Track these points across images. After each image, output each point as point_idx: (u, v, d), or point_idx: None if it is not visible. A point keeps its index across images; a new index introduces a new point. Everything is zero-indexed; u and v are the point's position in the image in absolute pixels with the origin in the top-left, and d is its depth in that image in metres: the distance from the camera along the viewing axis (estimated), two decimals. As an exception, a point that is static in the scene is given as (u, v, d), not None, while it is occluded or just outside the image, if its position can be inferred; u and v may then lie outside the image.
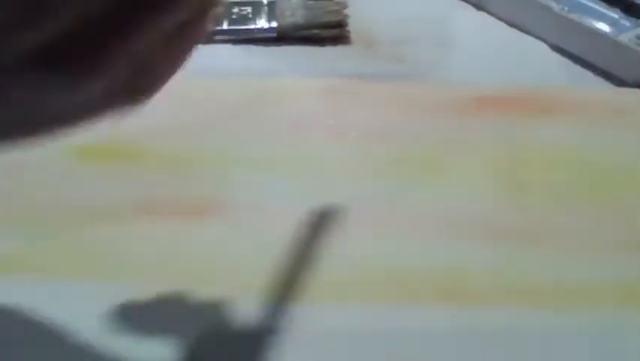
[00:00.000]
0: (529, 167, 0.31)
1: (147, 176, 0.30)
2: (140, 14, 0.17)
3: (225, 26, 0.40)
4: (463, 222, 0.28)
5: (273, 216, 0.28)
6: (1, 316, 0.24)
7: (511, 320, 0.25)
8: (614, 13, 0.38)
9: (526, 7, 0.40)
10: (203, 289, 0.26)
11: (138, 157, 0.30)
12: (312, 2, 0.41)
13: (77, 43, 0.16)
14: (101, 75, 0.17)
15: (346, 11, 0.40)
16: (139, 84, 0.18)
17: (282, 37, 0.39)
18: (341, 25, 0.40)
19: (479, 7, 0.43)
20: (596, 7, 0.39)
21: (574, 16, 0.38)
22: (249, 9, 0.41)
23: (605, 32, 0.37)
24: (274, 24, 0.39)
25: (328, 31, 0.40)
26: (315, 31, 0.40)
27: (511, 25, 0.41)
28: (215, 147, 0.31)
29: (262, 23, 0.40)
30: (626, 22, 0.38)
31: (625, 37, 0.36)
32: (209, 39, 0.39)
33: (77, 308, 0.25)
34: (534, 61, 0.39)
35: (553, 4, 0.39)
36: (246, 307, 0.25)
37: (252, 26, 0.40)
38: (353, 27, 0.40)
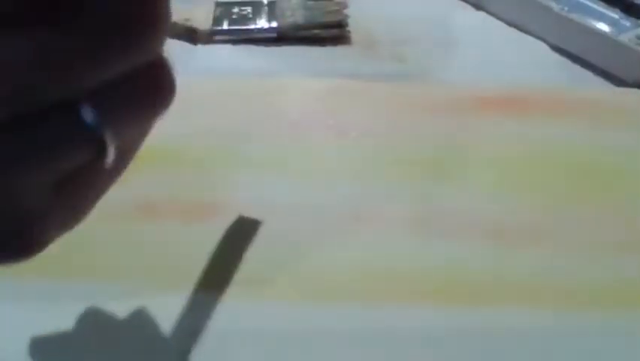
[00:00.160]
0: (529, 167, 0.31)
1: (147, 176, 0.30)
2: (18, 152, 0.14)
3: (225, 26, 0.40)
4: (463, 222, 0.28)
5: (273, 216, 0.28)
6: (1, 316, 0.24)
7: (511, 320, 0.25)
8: (614, 13, 0.38)
9: (526, 7, 0.40)
10: (203, 289, 0.26)
11: (138, 157, 0.30)
12: (312, 2, 0.41)
13: None
14: None
15: (346, 11, 0.41)
16: (19, 228, 0.16)
17: (282, 37, 0.39)
18: (341, 25, 0.40)
19: (479, 7, 0.43)
20: (596, 7, 0.39)
21: (574, 16, 0.38)
22: (249, 9, 0.41)
23: (605, 32, 0.37)
24: (274, 24, 0.40)
25: (328, 31, 0.40)
26: (315, 31, 0.40)
27: (511, 25, 0.41)
28: (215, 146, 0.31)
29: (262, 23, 0.40)
30: (626, 22, 0.38)
31: (625, 37, 0.36)
32: (209, 39, 0.39)
33: (76, 308, 0.25)
34: (534, 61, 0.39)
35: (553, 4, 0.39)
36: (245, 307, 0.25)
37: (252, 26, 0.40)
38: (353, 27, 0.40)
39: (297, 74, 0.37)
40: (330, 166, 0.31)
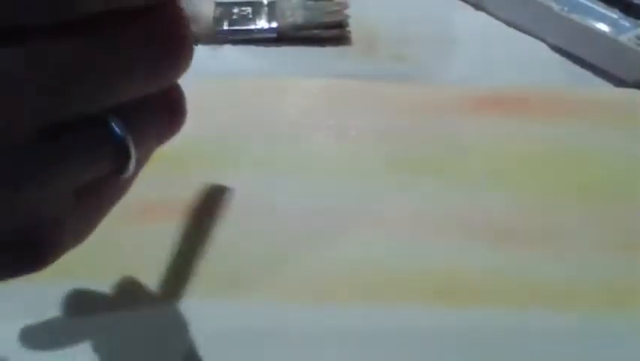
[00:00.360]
0: (529, 167, 0.31)
1: (147, 176, 0.30)
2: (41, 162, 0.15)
3: (225, 26, 0.40)
4: (462, 222, 0.28)
5: (272, 216, 0.28)
6: (1, 317, 0.24)
7: (511, 320, 0.25)
8: (614, 14, 0.38)
9: (526, 7, 0.40)
10: (203, 289, 0.26)
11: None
12: (312, 2, 0.41)
13: None
14: None
15: (346, 11, 0.41)
16: (38, 238, 0.16)
17: (282, 38, 0.39)
18: (341, 25, 0.40)
19: (478, 7, 0.43)
20: (596, 7, 0.39)
21: (574, 16, 0.38)
22: (249, 9, 0.41)
23: (605, 32, 0.37)
24: (274, 24, 0.40)
25: (328, 32, 0.40)
26: (315, 31, 0.40)
27: (511, 25, 0.41)
28: (215, 146, 0.31)
29: (262, 23, 0.40)
30: (626, 22, 0.38)
31: (625, 38, 0.36)
32: (209, 39, 0.39)
33: (76, 308, 0.25)
34: (534, 61, 0.39)
35: (553, 4, 0.39)
36: (245, 307, 0.25)
37: (252, 26, 0.40)
38: (353, 27, 0.40)
39: (297, 74, 0.37)
40: (330, 166, 0.31)
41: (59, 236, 0.17)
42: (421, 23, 0.41)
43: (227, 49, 0.39)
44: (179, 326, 0.24)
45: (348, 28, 0.40)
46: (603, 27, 0.37)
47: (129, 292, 0.25)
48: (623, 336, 0.25)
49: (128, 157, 0.16)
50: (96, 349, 0.24)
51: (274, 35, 0.39)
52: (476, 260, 0.27)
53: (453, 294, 0.26)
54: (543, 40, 0.40)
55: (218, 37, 0.39)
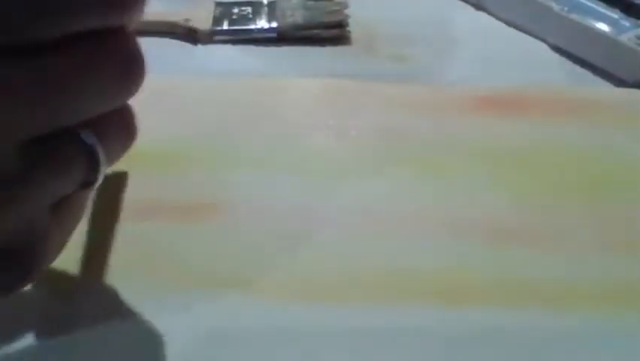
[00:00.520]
0: (529, 167, 0.31)
1: (147, 176, 0.30)
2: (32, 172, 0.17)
3: (225, 26, 0.40)
4: (463, 222, 0.28)
5: (273, 216, 0.28)
6: (2, 318, 0.24)
7: (512, 320, 0.25)
8: (614, 13, 0.38)
9: (526, 7, 0.40)
10: (202, 289, 0.26)
11: (138, 157, 0.30)
12: (312, 2, 0.41)
13: None
14: None
15: (346, 11, 0.41)
16: (24, 253, 0.18)
17: (282, 38, 0.39)
18: (341, 25, 0.40)
19: (479, 7, 0.43)
20: (596, 7, 0.39)
21: (574, 16, 0.38)
22: (249, 9, 0.41)
23: (605, 32, 0.37)
24: (274, 24, 0.40)
25: (328, 31, 0.40)
26: (315, 31, 0.40)
27: (512, 25, 0.41)
28: (215, 146, 0.31)
29: (262, 23, 0.40)
30: (626, 22, 0.38)
31: (625, 38, 0.36)
32: (209, 39, 0.39)
33: (74, 308, 0.25)
34: (534, 61, 0.39)
35: (553, 4, 0.39)
36: (245, 307, 0.25)
37: (252, 26, 0.40)
38: (353, 27, 0.40)
39: (297, 74, 0.37)
40: (330, 166, 0.31)
41: (43, 249, 0.18)
42: (421, 23, 0.41)
43: (227, 49, 0.39)
44: (179, 326, 0.24)
45: (348, 28, 0.40)
46: (603, 27, 0.37)
47: (128, 291, 0.25)
48: (623, 336, 0.25)
49: (97, 166, 0.19)
50: (93, 350, 0.24)
51: (274, 35, 0.39)
52: (476, 260, 0.27)
53: (453, 294, 0.26)
54: (543, 40, 0.40)
55: (218, 37, 0.39)
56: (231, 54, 0.39)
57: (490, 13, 0.42)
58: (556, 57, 0.39)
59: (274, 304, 0.25)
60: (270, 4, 0.41)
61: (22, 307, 0.24)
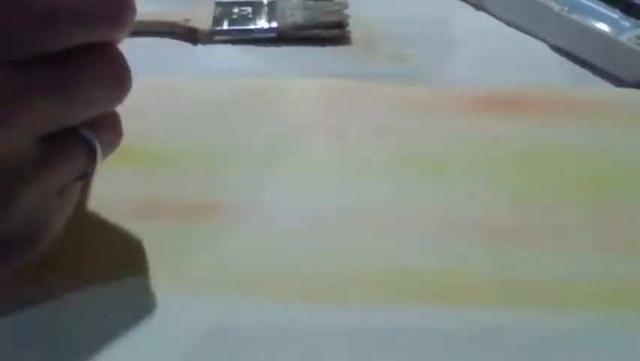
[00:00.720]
0: (530, 167, 0.31)
1: (147, 176, 0.30)
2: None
3: (225, 26, 0.40)
4: (463, 222, 0.28)
5: (273, 216, 0.28)
6: (2, 320, 0.24)
7: (512, 320, 0.25)
8: (614, 14, 0.38)
9: (526, 7, 0.40)
10: (202, 289, 0.26)
11: (138, 157, 0.30)
12: (312, 2, 0.41)
13: None
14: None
15: (346, 11, 0.41)
16: (37, 230, 0.21)
17: (282, 38, 0.39)
18: (341, 25, 0.40)
19: (479, 7, 0.43)
20: (596, 7, 0.39)
21: (574, 16, 0.38)
22: (249, 9, 0.41)
23: (605, 32, 0.37)
24: (274, 24, 0.40)
25: (328, 31, 0.40)
26: (315, 31, 0.40)
27: (511, 25, 0.41)
28: (214, 146, 0.31)
29: (262, 23, 0.40)
30: (626, 22, 0.38)
31: (625, 38, 0.36)
32: (209, 39, 0.39)
33: (75, 308, 0.25)
34: (534, 61, 0.39)
35: (553, 4, 0.39)
36: (246, 307, 0.25)
37: (252, 26, 0.40)
38: (353, 27, 0.40)
39: (297, 74, 0.37)
40: (330, 166, 0.31)
41: (52, 228, 0.22)
42: (421, 23, 0.41)
43: (227, 49, 0.39)
44: (179, 326, 0.24)
45: (348, 28, 0.40)
46: (603, 27, 0.37)
47: (128, 291, 0.25)
48: (623, 336, 0.25)
49: (94, 158, 0.22)
50: (92, 349, 0.24)
51: (274, 35, 0.39)
52: (476, 260, 0.27)
53: (453, 294, 0.26)
54: (543, 40, 0.40)
55: (218, 37, 0.39)
56: (231, 54, 0.39)
57: (490, 13, 0.42)
58: (556, 57, 0.39)
59: (274, 304, 0.25)
60: (270, 4, 0.41)
61: (22, 309, 0.24)
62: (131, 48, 0.23)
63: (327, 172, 0.30)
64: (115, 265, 0.26)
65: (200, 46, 0.39)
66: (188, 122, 0.33)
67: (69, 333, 0.24)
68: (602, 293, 0.26)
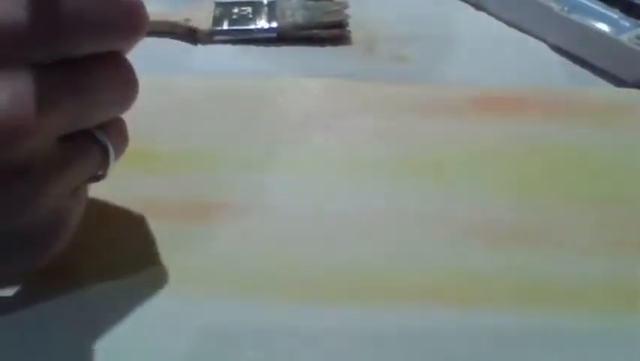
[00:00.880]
0: (530, 167, 0.31)
1: (147, 176, 0.30)
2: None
3: (225, 26, 0.40)
4: (463, 222, 0.28)
5: (272, 216, 0.28)
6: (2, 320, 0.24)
7: (512, 320, 0.25)
8: (614, 14, 0.38)
9: (526, 7, 0.40)
10: (202, 289, 0.26)
11: (138, 157, 0.30)
12: (312, 2, 0.41)
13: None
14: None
15: (346, 11, 0.41)
16: (59, 224, 0.22)
17: (282, 38, 0.39)
18: (341, 25, 0.40)
19: (479, 7, 0.43)
20: (596, 7, 0.39)
21: (574, 16, 0.38)
22: (249, 9, 0.41)
23: (605, 32, 0.37)
24: (274, 24, 0.40)
25: (328, 31, 0.40)
26: (315, 31, 0.40)
27: (512, 25, 0.41)
28: (215, 146, 0.31)
29: (262, 23, 0.40)
30: (626, 22, 0.38)
31: (625, 38, 0.36)
32: (209, 39, 0.39)
33: (76, 308, 0.25)
34: (534, 61, 0.39)
35: (553, 4, 0.39)
36: (245, 306, 0.25)
37: (252, 26, 0.40)
38: (353, 27, 0.40)
39: (297, 74, 0.37)
40: (330, 166, 0.31)
41: (70, 222, 0.23)
42: (421, 23, 0.41)
43: (227, 49, 0.39)
44: (179, 326, 0.24)
45: (348, 28, 0.40)
46: (603, 27, 0.37)
47: (128, 291, 0.25)
48: (623, 336, 0.25)
49: (108, 159, 0.23)
50: (96, 348, 0.24)
51: (274, 35, 0.39)
52: (476, 260, 0.27)
53: (453, 294, 0.26)
54: (543, 40, 0.40)
55: (218, 37, 0.39)
56: (231, 54, 0.39)
57: (490, 13, 0.42)
58: (556, 57, 0.39)
59: (274, 304, 0.25)
60: (270, 4, 0.41)
61: (22, 308, 0.24)
62: (131, 48, 0.23)
63: (327, 172, 0.30)
64: (114, 264, 0.26)
65: (200, 46, 0.39)
66: (188, 122, 0.33)
67: (69, 333, 0.24)
68: (602, 293, 0.26)
